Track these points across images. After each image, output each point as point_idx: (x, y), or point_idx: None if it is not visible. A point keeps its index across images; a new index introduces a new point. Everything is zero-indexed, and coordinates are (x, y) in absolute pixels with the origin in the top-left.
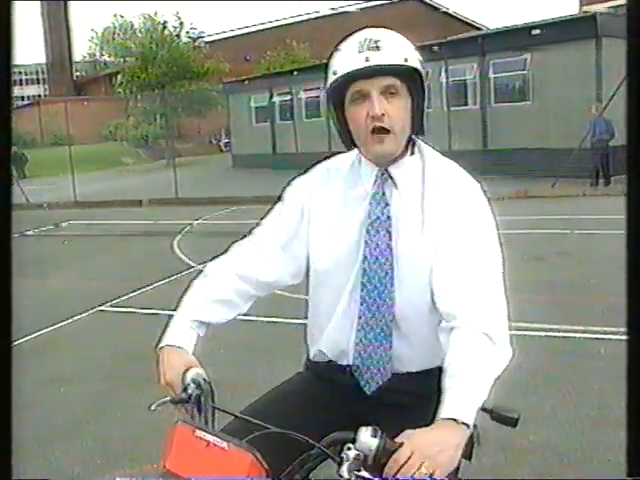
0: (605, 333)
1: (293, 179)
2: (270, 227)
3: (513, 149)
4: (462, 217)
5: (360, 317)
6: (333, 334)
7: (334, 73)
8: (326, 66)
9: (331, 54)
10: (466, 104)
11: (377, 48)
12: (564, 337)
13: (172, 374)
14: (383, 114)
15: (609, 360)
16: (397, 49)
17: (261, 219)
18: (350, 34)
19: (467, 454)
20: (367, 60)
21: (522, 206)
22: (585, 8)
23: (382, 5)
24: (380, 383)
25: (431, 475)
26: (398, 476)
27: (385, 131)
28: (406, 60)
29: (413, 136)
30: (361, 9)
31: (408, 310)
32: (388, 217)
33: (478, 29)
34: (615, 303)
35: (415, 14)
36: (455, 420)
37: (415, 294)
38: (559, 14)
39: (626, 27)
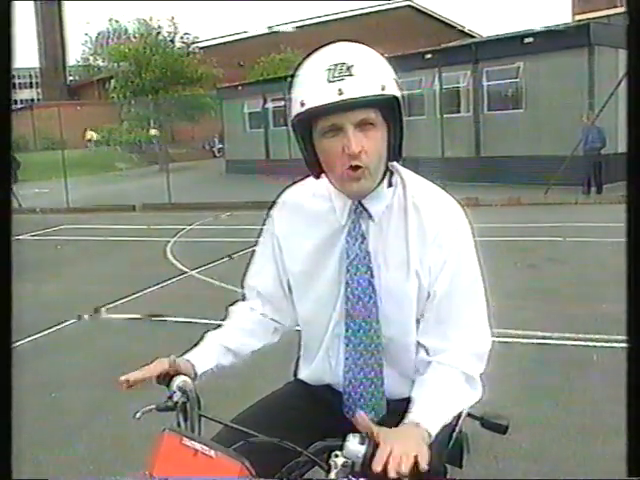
0: (598, 340)
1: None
2: (259, 269)
3: (506, 156)
4: (450, 260)
5: (347, 358)
6: (319, 370)
7: (302, 104)
8: (290, 83)
9: (296, 71)
10: (459, 111)
11: (350, 75)
12: (556, 344)
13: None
14: (360, 151)
15: (601, 367)
16: (372, 75)
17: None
18: (315, 50)
19: (457, 462)
20: (340, 93)
21: (514, 213)
22: (578, 17)
23: (375, 12)
24: (375, 420)
25: (416, 463)
26: (389, 469)
27: (360, 168)
28: (383, 88)
29: (390, 164)
30: (355, 15)
31: (397, 343)
32: (367, 252)
33: (471, 37)
34: (608, 310)
35: (408, 21)
36: (418, 425)
37: (402, 326)
38: (552, 23)
39: (626, 30)
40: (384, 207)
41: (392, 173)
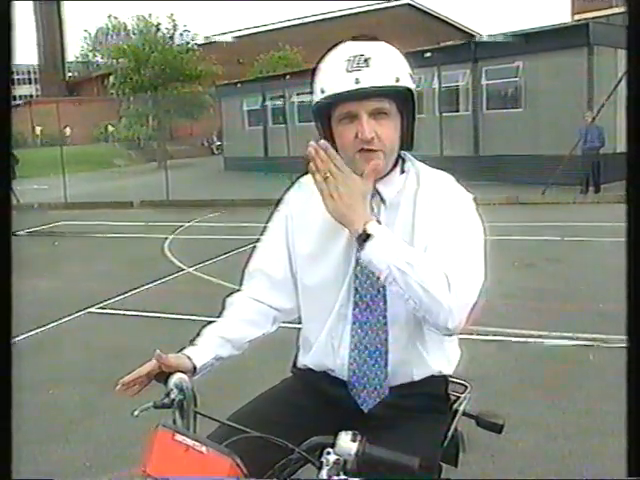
0: (594, 340)
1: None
2: (267, 251)
3: (504, 155)
4: (451, 226)
5: (353, 336)
6: (321, 353)
7: (322, 91)
8: (313, 73)
9: (318, 63)
10: (458, 110)
11: (367, 66)
12: (553, 344)
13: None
14: (373, 137)
15: (598, 367)
16: (388, 67)
17: (261, 233)
18: (338, 43)
19: (453, 461)
20: (357, 82)
21: (512, 212)
22: (577, 16)
23: (375, 10)
24: (378, 400)
25: None
26: None
27: (374, 150)
28: (397, 80)
29: (402, 153)
30: (354, 14)
31: (401, 326)
32: None
33: (471, 36)
34: (605, 310)
35: (408, 20)
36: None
37: (407, 309)
38: (551, 22)
39: (626, 30)
40: (396, 192)
41: (404, 161)
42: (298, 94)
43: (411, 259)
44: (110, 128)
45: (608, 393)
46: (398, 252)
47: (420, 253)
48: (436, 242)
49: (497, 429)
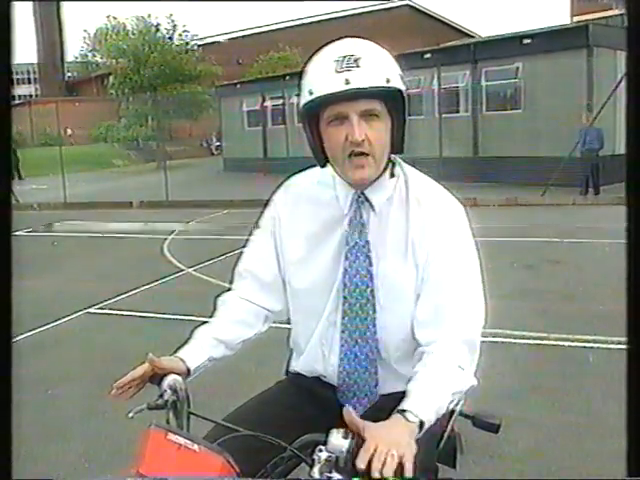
0: (594, 342)
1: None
2: (256, 253)
3: (504, 157)
4: (448, 246)
5: (343, 345)
6: (311, 359)
7: (310, 92)
8: (300, 76)
9: (305, 65)
10: (457, 111)
11: (357, 66)
12: (553, 345)
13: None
14: (363, 139)
15: (597, 368)
16: (378, 68)
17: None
18: (326, 44)
19: (450, 462)
20: (347, 82)
21: (512, 214)
22: (576, 18)
23: (374, 11)
24: (368, 406)
25: (400, 459)
26: (372, 468)
27: (364, 155)
28: (388, 81)
29: (392, 156)
30: (353, 14)
31: (391, 334)
32: (367, 242)
33: (470, 37)
34: (604, 311)
35: (407, 21)
36: (407, 416)
37: (398, 317)
38: (551, 24)
39: (625, 31)
40: (385, 198)
41: (394, 165)
42: (297, 95)
43: (442, 397)
44: (69, 131)
45: (607, 394)
46: (437, 401)
47: (438, 367)
48: (437, 272)
49: (494, 429)
